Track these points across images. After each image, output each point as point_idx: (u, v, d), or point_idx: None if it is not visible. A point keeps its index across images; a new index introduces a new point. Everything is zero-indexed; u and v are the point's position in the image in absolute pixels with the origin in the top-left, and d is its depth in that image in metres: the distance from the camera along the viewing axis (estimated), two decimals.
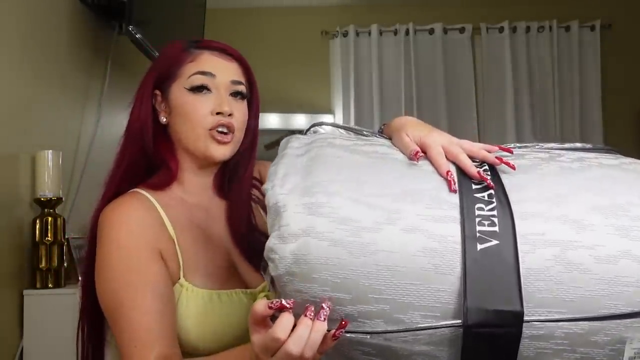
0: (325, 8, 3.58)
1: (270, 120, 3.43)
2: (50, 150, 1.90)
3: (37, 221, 1.89)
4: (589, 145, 0.83)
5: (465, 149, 0.74)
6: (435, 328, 0.62)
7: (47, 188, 1.89)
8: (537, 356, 0.63)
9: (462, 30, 3.55)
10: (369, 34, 3.53)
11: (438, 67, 3.52)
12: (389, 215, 0.65)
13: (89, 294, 0.99)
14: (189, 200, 1.04)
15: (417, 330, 0.62)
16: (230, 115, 1.00)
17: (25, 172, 1.91)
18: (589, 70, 3.50)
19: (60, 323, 1.71)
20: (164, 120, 1.04)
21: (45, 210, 1.90)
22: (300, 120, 3.47)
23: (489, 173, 0.71)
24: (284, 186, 0.69)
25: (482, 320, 0.60)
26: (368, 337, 0.65)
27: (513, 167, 0.72)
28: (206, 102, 1.00)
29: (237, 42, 3.83)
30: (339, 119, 3.52)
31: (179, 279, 0.95)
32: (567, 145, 0.83)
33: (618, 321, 0.62)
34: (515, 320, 0.60)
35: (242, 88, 1.05)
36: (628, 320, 0.62)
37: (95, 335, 1.04)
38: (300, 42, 3.56)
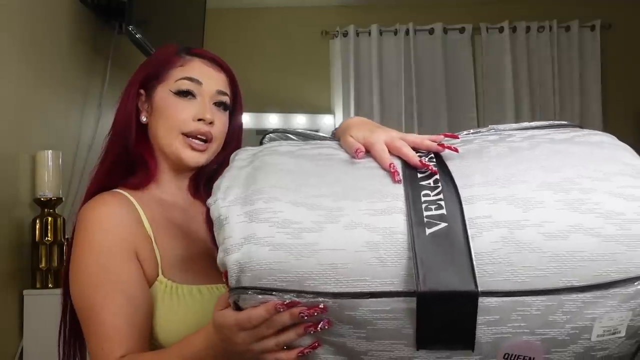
0: (325, 8, 3.58)
1: (270, 120, 3.43)
2: (50, 150, 1.90)
3: (37, 221, 1.89)
4: (545, 123, 0.81)
5: (409, 141, 0.75)
6: (384, 296, 0.61)
7: (47, 188, 1.89)
8: (496, 341, 0.61)
9: (462, 30, 3.55)
10: (369, 34, 3.53)
11: (438, 67, 3.52)
12: (330, 213, 0.64)
13: (68, 294, 1.00)
14: (167, 200, 1.05)
15: (367, 298, 0.60)
16: (211, 123, 1.02)
17: (25, 172, 1.91)
18: (589, 70, 3.50)
19: None
20: (144, 119, 1.05)
21: (45, 210, 1.90)
22: (300, 120, 3.47)
23: (433, 160, 0.71)
24: (226, 198, 0.69)
25: (437, 303, 0.59)
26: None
27: (456, 150, 0.72)
28: (189, 107, 1.02)
29: (237, 42, 3.81)
30: (339, 119, 3.52)
31: (157, 276, 0.96)
32: (523, 124, 0.81)
33: (574, 296, 0.60)
34: (469, 300, 0.59)
35: (226, 99, 1.07)
36: (583, 295, 0.60)
37: (76, 337, 1.04)
38: (300, 42, 3.56)
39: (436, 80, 3.52)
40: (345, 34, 3.53)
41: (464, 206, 0.63)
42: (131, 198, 1.00)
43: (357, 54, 3.51)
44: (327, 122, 3.52)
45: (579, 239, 0.60)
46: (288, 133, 0.89)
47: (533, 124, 0.81)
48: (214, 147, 1.04)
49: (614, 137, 0.77)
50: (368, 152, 0.75)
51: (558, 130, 0.78)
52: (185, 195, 1.08)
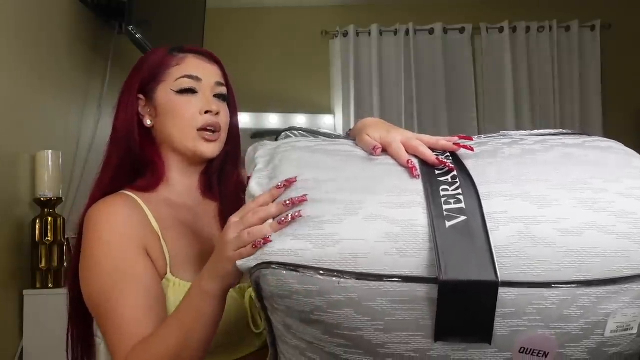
0: (325, 8, 3.58)
1: (270, 120, 3.42)
2: (50, 150, 1.90)
3: (37, 221, 1.89)
4: (555, 130, 0.84)
5: (425, 141, 0.76)
6: (407, 280, 0.61)
7: (47, 188, 1.90)
8: (511, 335, 0.62)
9: (462, 30, 3.55)
10: (369, 34, 3.53)
11: (438, 67, 3.52)
12: (349, 206, 0.65)
13: (76, 295, 1.00)
14: (176, 201, 1.06)
15: (389, 280, 0.61)
16: (217, 114, 1.05)
17: (25, 172, 1.91)
18: (589, 70, 3.50)
19: (60, 323, 1.71)
20: (149, 123, 1.06)
21: (45, 210, 1.90)
22: (300, 120, 3.47)
23: (450, 159, 0.72)
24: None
25: (458, 292, 0.60)
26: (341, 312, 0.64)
27: (471, 149, 0.74)
28: (194, 103, 1.04)
29: (237, 42, 3.81)
30: (339, 119, 3.52)
31: (166, 274, 0.96)
32: (533, 131, 0.83)
33: (588, 291, 0.61)
34: (490, 290, 0.60)
35: (224, 90, 1.09)
36: (597, 290, 0.61)
37: (84, 337, 1.05)
38: (300, 42, 3.56)
39: (436, 81, 3.51)
40: (345, 34, 3.53)
41: (481, 199, 0.65)
42: (137, 199, 1.01)
43: (357, 54, 3.51)
44: (327, 122, 3.52)
45: (593, 235, 0.62)
46: (303, 131, 0.90)
47: (543, 131, 0.84)
48: (223, 136, 1.07)
49: (621, 143, 0.80)
50: (385, 151, 0.77)
51: (568, 136, 0.82)
52: (194, 195, 1.09)
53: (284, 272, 0.63)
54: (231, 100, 1.12)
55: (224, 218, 1.07)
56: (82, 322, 1.04)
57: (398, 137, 0.77)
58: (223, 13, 3.43)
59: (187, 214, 1.06)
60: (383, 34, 3.54)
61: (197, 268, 0.98)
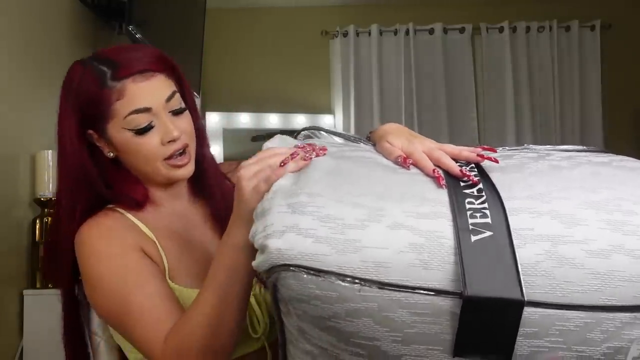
0: (325, 8, 3.58)
1: (270, 120, 3.42)
2: (50, 150, 1.91)
3: (37, 221, 1.89)
4: (580, 147, 0.83)
5: (448, 152, 0.75)
6: (430, 291, 0.60)
7: (47, 188, 1.90)
8: (532, 355, 0.61)
9: (462, 30, 3.55)
10: (369, 34, 3.52)
11: (438, 67, 3.51)
12: (372, 212, 0.64)
13: (69, 298, 1.00)
14: (164, 210, 1.04)
15: (412, 291, 0.60)
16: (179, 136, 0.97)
17: (25, 172, 1.91)
18: (589, 70, 3.50)
19: (60, 323, 1.71)
20: (112, 155, 0.99)
21: (45, 210, 1.90)
22: (300, 120, 3.47)
23: (475, 170, 0.71)
24: (269, 191, 0.70)
25: (482, 309, 0.59)
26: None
27: (496, 161, 0.73)
28: (154, 136, 0.96)
29: (237, 42, 3.81)
30: (339, 119, 3.51)
31: (165, 276, 0.95)
32: (557, 147, 0.82)
33: (612, 315, 0.60)
34: (514, 309, 0.59)
35: (177, 102, 0.98)
36: (622, 315, 0.60)
37: (80, 339, 1.04)
38: (300, 42, 3.56)
39: (436, 80, 3.51)
40: (345, 34, 3.53)
41: (508, 215, 0.63)
42: (126, 213, 0.99)
43: (357, 54, 3.51)
44: (327, 122, 3.52)
45: (620, 259, 0.61)
46: (322, 131, 0.89)
47: (568, 147, 0.82)
48: (192, 147, 1.01)
49: None
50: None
51: (593, 153, 0.80)
52: (183, 201, 1.07)
53: (305, 275, 0.62)
54: (188, 100, 1.03)
55: (215, 218, 1.06)
56: (76, 324, 1.03)
57: (420, 147, 0.75)
58: (223, 13, 3.42)
59: (178, 221, 1.04)
60: (383, 34, 3.53)
61: (194, 274, 0.98)
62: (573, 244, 0.61)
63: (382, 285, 0.60)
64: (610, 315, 0.60)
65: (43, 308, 1.83)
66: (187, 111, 1.01)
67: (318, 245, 0.62)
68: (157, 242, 0.97)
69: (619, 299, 0.60)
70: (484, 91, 3.54)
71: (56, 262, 1.00)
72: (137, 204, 0.99)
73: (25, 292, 1.87)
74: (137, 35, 2.13)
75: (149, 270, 0.92)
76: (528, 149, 0.82)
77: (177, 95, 0.99)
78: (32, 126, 1.97)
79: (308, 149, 0.73)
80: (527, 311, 0.59)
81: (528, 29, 3.52)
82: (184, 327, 0.83)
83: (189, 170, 1.00)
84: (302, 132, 0.89)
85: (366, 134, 0.91)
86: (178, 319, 0.85)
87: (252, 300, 0.96)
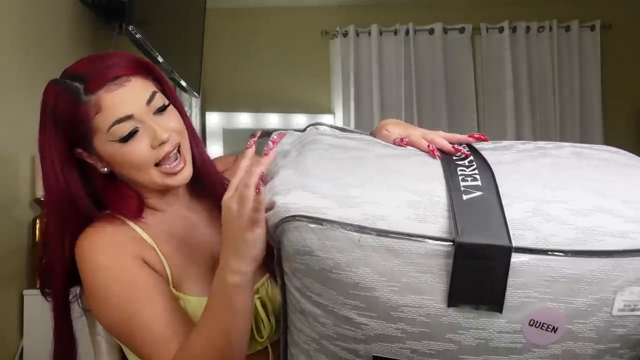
0: (325, 8, 3.58)
1: (270, 120, 3.43)
2: None
3: (37, 221, 1.89)
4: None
5: (441, 136, 0.81)
6: (425, 238, 0.64)
7: None
8: (522, 305, 0.64)
9: (462, 30, 3.55)
10: (369, 34, 3.52)
11: (438, 67, 3.51)
12: (374, 177, 0.70)
13: (62, 301, 1.00)
14: (164, 215, 1.02)
15: (409, 238, 0.64)
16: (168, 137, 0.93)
17: (25, 172, 1.91)
18: (589, 70, 3.50)
19: None
20: (106, 170, 0.96)
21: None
22: (300, 120, 3.47)
23: (466, 148, 0.78)
24: (278, 164, 0.77)
25: (473, 255, 0.63)
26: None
27: (486, 139, 0.81)
28: (142, 140, 0.92)
29: (237, 42, 3.81)
30: (339, 119, 3.51)
31: (169, 287, 0.94)
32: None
33: (595, 263, 0.63)
34: (503, 254, 0.62)
35: (159, 100, 0.94)
36: (605, 262, 0.63)
37: (71, 341, 1.04)
38: (300, 42, 3.56)
39: (436, 81, 3.51)
40: (345, 34, 3.53)
41: (497, 180, 0.69)
42: (126, 220, 0.97)
43: (357, 54, 3.51)
44: (327, 122, 3.52)
45: (601, 217, 0.65)
46: (331, 127, 0.94)
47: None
48: (185, 148, 0.98)
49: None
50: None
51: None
52: (180, 203, 1.04)
53: (309, 225, 0.66)
54: (170, 97, 0.98)
55: (219, 215, 1.05)
56: (68, 326, 1.02)
57: (416, 132, 0.83)
58: (223, 13, 3.42)
59: (179, 225, 1.02)
60: (383, 34, 3.53)
61: (198, 280, 0.97)
62: (557, 203, 0.66)
63: (380, 232, 0.64)
64: (594, 263, 0.63)
65: (43, 308, 1.83)
66: (171, 106, 0.96)
67: (321, 200, 0.67)
68: (157, 250, 0.96)
69: (601, 248, 0.64)
70: (484, 91, 3.54)
71: (48, 277, 0.98)
72: (132, 216, 0.97)
73: (25, 292, 1.87)
74: (137, 35, 2.13)
75: (154, 284, 0.91)
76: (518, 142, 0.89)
77: (158, 94, 0.94)
78: (32, 126, 1.96)
79: (267, 147, 0.79)
80: (515, 258, 0.63)
81: (528, 29, 3.52)
82: (193, 347, 0.84)
83: (185, 175, 0.96)
84: (309, 128, 0.93)
85: (367, 134, 0.95)
86: (186, 336, 0.86)
87: (258, 302, 0.95)
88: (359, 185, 0.68)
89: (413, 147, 0.80)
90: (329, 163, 0.73)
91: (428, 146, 0.78)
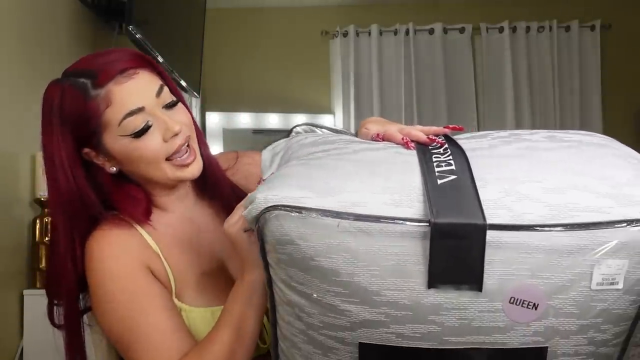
0: (325, 8, 3.58)
1: (270, 120, 3.43)
2: None
3: (37, 221, 1.89)
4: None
5: (417, 129, 0.83)
6: (402, 220, 0.65)
7: None
8: (501, 283, 0.65)
9: (462, 30, 3.55)
10: (369, 34, 3.52)
11: (438, 67, 3.51)
12: (351, 170, 0.72)
13: (73, 306, 0.98)
14: (171, 216, 1.02)
15: (386, 221, 0.65)
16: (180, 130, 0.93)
17: (25, 172, 1.91)
18: (589, 70, 3.50)
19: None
20: (114, 170, 0.95)
21: (45, 210, 1.90)
22: (300, 120, 3.47)
23: (442, 139, 0.80)
24: (269, 171, 0.83)
25: (449, 235, 0.63)
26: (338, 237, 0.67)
27: (460, 128, 0.83)
28: (154, 135, 0.91)
29: (237, 42, 3.81)
30: (339, 119, 3.51)
31: (172, 299, 0.95)
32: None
33: (568, 238, 0.64)
34: (479, 232, 0.63)
35: (167, 94, 0.94)
36: (580, 234, 0.64)
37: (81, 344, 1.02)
38: (300, 42, 3.56)
39: (436, 80, 3.51)
40: (345, 34, 3.53)
41: (471, 165, 0.70)
42: (133, 224, 0.97)
43: (357, 54, 3.51)
44: (327, 122, 3.52)
45: (575, 194, 0.66)
46: (314, 127, 0.98)
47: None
48: (194, 143, 0.98)
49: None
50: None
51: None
52: (188, 203, 1.04)
53: (289, 213, 0.67)
54: (175, 93, 0.97)
55: (226, 214, 1.05)
56: (78, 331, 1.01)
57: (392, 127, 0.85)
58: (223, 13, 3.42)
59: (185, 225, 1.02)
60: (383, 34, 3.53)
61: (202, 290, 0.97)
62: (532, 183, 0.67)
63: (357, 217, 0.66)
64: (568, 235, 0.64)
65: (43, 308, 1.83)
66: (180, 103, 0.96)
67: (300, 191, 0.69)
68: (162, 257, 0.96)
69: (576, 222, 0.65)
70: (484, 91, 3.54)
71: (58, 281, 0.96)
72: (139, 220, 0.97)
73: (25, 292, 1.87)
74: (137, 35, 2.13)
75: (158, 295, 0.91)
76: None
77: (166, 88, 0.94)
78: (32, 126, 1.96)
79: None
80: (491, 236, 0.64)
81: (528, 29, 3.52)
82: (210, 349, 0.86)
83: (196, 168, 0.96)
84: (295, 129, 0.97)
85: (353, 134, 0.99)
86: (190, 351, 0.87)
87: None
88: (337, 177, 0.70)
89: (389, 141, 0.83)
90: (307, 168, 0.76)
91: (402, 139, 0.80)
